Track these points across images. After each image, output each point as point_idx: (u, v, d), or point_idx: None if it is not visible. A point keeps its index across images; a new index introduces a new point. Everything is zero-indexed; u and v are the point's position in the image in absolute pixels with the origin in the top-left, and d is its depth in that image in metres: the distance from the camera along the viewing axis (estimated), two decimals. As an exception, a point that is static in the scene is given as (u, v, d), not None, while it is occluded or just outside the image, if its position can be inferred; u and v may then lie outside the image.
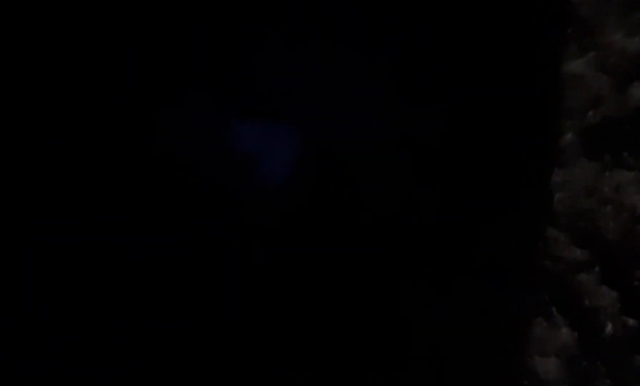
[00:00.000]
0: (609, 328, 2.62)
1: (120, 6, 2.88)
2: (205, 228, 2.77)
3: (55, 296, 2.72)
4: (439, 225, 2.71)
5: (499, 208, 2.72)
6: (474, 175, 2.76)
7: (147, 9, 2.89)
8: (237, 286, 2.74)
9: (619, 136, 2.78)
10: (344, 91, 2.88)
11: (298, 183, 2.80)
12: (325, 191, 2.79)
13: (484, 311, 2.65)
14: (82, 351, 2.68)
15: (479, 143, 2.78)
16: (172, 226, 2.78)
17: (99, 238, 2.74)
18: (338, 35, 2.93)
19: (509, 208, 2.72)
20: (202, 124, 2.86)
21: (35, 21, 2.89)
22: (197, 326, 2.70)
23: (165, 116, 2.85)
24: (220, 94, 2.88)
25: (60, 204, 2.78)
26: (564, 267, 2.67)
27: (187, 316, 2.71)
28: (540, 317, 2.64)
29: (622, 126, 2.78)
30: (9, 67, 2.87)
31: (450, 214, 2.73)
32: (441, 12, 2.90)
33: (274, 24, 2.94)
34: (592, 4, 2.88)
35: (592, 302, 2.64)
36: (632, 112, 2.78)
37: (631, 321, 2.61)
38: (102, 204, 2.77)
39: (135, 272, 2.73)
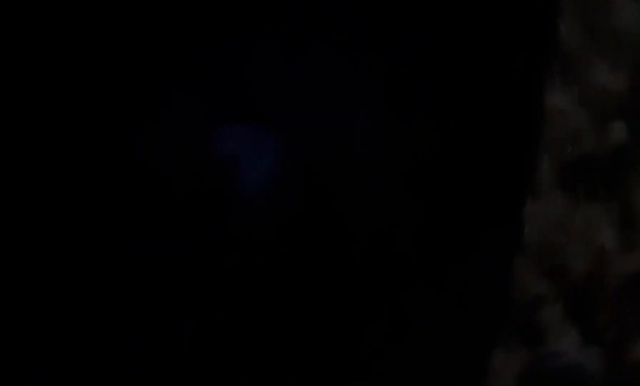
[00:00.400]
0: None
1: (117, 5, 2.86)
2: (205, 228, 2.79)
3: (55, 296, 2.72)
4: (418, 244, 2.74)
5: (472, 236, 2.74)
6: (453, 197, 2.78)
7: (141, 8, 2.87)
8: (237, 286, 2.77)
9: (595, 173, 2.80)
10: (339, 94, 2.90)
11: (290, 186, 2.82)
12: (314, 195, 2.81)
13: (445, 336, 2.68)
14: (82, 351, 2.70)
15: (463, 164, 2.80)
16: (172, 226, 2.79)
17: (99, 238, 2.75)
18: (335, 36, 2.94)
19: (482, 236, 2.73)
20: (195, 126, 2.86)
21: (33, 21, 2.86)
22: (198, 326, 2.73)
23: (160, 116, 2.85)
24: (213, 96, 2.88)
25: (60, 204, 2.77)
26: (528, 299, 2.69)
27: (187, 316, 2.74)
28: (500, 347, 2.67)
29: (599, 163, 2.81)
30: (8, 68, 2.84)
31: (428, 236, 2.75)
32: (439, 16, 2.92)
33: (270, 24, 2.93)
34: (579, 39, 2.89)
35: (553, 336, 2.67)
36: (610, 149, 2.80)
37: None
38: (102, 204, 2.77)
39: (135, 272, 2.74)
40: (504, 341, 2.65)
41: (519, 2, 2.88)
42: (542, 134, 2.80)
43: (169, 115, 2.87)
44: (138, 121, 2.86)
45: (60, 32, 2.92)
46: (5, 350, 2.68)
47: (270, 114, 2.90)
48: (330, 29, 2.96)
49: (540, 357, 2.65)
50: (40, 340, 2.69)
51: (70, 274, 2.74)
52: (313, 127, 2.91)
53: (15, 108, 2.87)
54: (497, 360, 2.64)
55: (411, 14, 2.91)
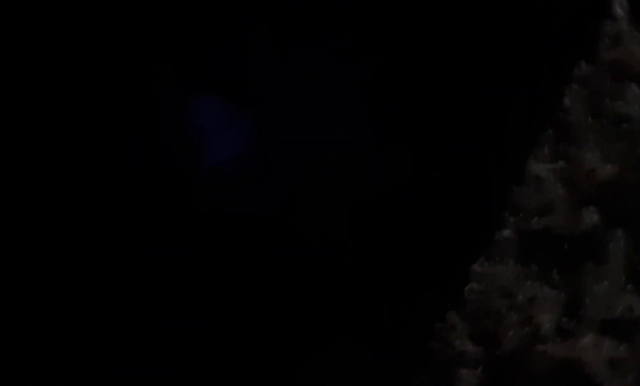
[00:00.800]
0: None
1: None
2: (205, 228, 2.79)
3: (55, 296, 2.72)
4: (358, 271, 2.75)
5: (414, 276, 2.73)
6: (408, 230, 2.76)
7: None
8: (236, 285, 2.77)
9: (555, 252, 2.68)
10: (326, 95, 2.91)
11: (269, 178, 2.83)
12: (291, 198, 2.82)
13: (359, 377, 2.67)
14: (82, 351, 2.69)
15: (429, 198, 2.78)
16: (172, 226, 2.79)
17: (99, 238, 2.75)
18: (334, 35, 2.95)
19: (423, 278, 2.72)
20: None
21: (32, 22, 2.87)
22: (197, 326, 2.73)
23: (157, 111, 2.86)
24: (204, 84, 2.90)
25: (60, 204, 2.77)
26: (450, 356, 2.61)
27: (187, 316, 2.74)
28: None
29: (562, 243, 2.69)
30: (8, 68, 2.85)
31: (372, 261, 2.75)
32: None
33: (271, 22, 2.95)
34: (580, 116, 2.77)
35: None
36: (577, 234, 2.67)
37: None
38: (102, 204, 2.77)
39: (135, 272, 2.74)
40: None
41: (528, 60, 2.83)
42: (513, 197, 2.70)
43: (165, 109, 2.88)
44: (136, 118, 2.87)
45: (59, 34, 2.93)
46: (6, 350, 2.68)
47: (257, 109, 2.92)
48: (335, 27, 2.98)
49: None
50: (40, 340, 2.69)
51: (70, 274, 2.74)
52: (302, 126, 2.93)
53: (16, 108, 2.88)
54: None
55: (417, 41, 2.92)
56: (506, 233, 2.70)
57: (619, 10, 2.80)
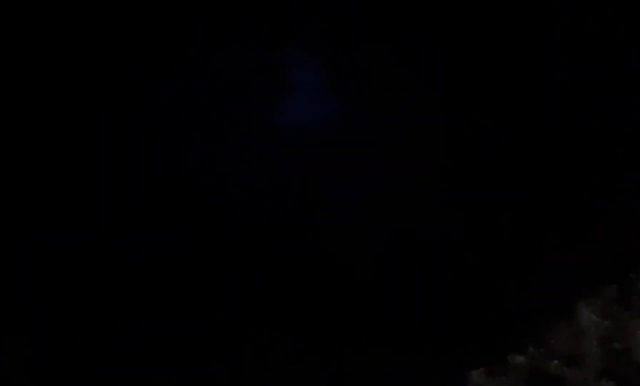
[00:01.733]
0: None
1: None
2: (205, 228, 2.79)
3: (55, 296, 2.72)
4: None
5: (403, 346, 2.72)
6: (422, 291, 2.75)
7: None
8: (236, 285, 2.77)
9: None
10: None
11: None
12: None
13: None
14: (82, 351, 2.69)
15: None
16: (172, 226, 2.79)
17: (99, 238, 2.75)
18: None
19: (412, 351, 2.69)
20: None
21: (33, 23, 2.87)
22: (197, 326, 2.73)
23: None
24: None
25: (61, 204, 2.78)
26: None
27: (187, 316, 2.73)
28: None
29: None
30: (10, 70, 2.85)
31: None
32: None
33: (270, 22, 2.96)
34: None
35: None
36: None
37: None
38: (103, 205, 2.77)
39: (135, 272, 2.74)
40: None
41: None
42: (545, 327, 2.57)
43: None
44: (136, 119, 2.87)
45: (61, 34, 2.93)
46: (6, 349, 2.68)
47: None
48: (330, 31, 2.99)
49: None
50: (40, 340, 2.69)
51: (70, 274, 2.74)
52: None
53: (17, 110, 2.88)
54: None
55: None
56: (520, 359, 2.56)
57: None
